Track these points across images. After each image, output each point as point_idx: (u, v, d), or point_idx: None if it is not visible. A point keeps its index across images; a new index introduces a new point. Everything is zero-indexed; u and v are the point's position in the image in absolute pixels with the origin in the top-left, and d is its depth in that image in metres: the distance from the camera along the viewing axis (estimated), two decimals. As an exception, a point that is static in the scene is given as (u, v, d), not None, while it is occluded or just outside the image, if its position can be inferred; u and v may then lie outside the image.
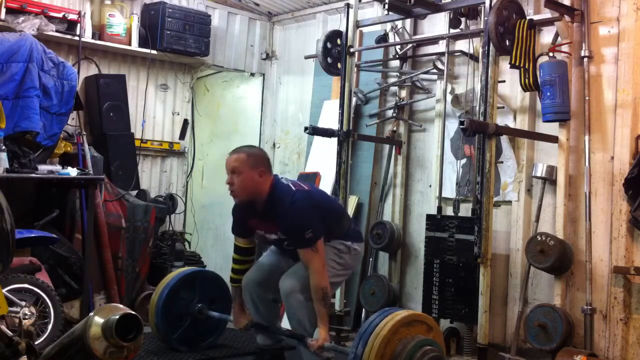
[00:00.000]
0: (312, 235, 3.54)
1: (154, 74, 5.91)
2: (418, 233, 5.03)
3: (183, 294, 4.33)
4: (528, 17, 3.99)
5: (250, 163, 3.62)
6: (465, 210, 4.62)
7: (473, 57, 4.65)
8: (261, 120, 6.71)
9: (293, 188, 3.67)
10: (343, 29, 5.01)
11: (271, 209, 3.65)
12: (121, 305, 2.08)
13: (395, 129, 5.22)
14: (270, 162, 3.81)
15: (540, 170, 4.23)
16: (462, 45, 4.83)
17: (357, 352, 3.20)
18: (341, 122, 4.87)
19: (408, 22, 5.14)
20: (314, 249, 3.55)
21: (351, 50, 4.90)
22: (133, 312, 1.99)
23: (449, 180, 4.81)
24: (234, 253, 4.00)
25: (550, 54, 4.07)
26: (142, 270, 5.19)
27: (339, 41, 5.05)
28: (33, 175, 4.52)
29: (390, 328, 3.22)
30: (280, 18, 6.56)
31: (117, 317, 1.95)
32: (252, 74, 6.69)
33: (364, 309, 5.06)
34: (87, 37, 5.28)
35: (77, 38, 5.13)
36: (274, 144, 6.54)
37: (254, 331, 4.07)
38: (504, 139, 4.43)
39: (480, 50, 4.15)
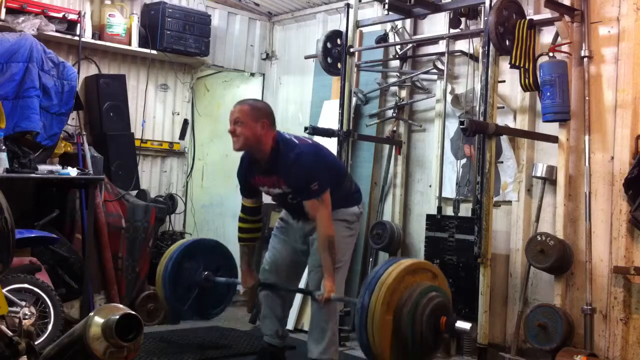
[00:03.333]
0: (318, 188, 3.53)
1: (154, 74, 5.91)
2: (418, 233, 5.03)
3: (187, 264, 4.27)
4: (528, 17, 4.00)
5: (253, 115, 3.60)
6: (465, 210, 4.61)
7: (473, 57, 4.65)
8: (261, 120, 6.70)
9: (297, 142, 3.67)
10: (343, 29, 5.01)
11: (275, 162, 3.64)
12: (121, 305, 2.08)
13: (395, 129, 5.22)
14: (274, 117, 3.76)
15: (540, 170, 4.23)
16: (462, 45, 4.82)
17: (364, 303, 3.15)
18: (341, 122, 4.87)
19: (408, 22, 5.14)
20: (320, 199, 3.54)
21: (351, 50, 4.91)
22: (133, 312, 1.98)
23: (449, 180, 4.81)
24: (240, 212, 3.99)
25: (550, 54, 4.07)
26: (142, 270, 5.18)
27: (339, 41, 5.06)
28: (33, 175, 4.51)
29: (395, 276, 3.17)
30: (280, 18, 6.56)
31: (117, 317, 1.95)
32: (252, 74, 6.69)
33: (364, 309, 5.05)
34: (87, 37, 5.28)
35: (77, 38, 5.13)
36: (274, 144, 6.53)
37: (260, 326, 4.06)
38: (504, 139, 4.43)
39: (480, 50, 4.16)
